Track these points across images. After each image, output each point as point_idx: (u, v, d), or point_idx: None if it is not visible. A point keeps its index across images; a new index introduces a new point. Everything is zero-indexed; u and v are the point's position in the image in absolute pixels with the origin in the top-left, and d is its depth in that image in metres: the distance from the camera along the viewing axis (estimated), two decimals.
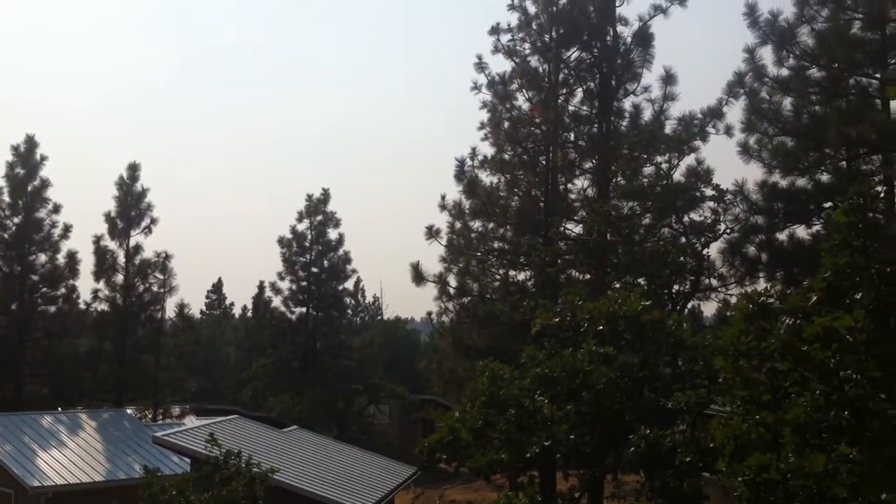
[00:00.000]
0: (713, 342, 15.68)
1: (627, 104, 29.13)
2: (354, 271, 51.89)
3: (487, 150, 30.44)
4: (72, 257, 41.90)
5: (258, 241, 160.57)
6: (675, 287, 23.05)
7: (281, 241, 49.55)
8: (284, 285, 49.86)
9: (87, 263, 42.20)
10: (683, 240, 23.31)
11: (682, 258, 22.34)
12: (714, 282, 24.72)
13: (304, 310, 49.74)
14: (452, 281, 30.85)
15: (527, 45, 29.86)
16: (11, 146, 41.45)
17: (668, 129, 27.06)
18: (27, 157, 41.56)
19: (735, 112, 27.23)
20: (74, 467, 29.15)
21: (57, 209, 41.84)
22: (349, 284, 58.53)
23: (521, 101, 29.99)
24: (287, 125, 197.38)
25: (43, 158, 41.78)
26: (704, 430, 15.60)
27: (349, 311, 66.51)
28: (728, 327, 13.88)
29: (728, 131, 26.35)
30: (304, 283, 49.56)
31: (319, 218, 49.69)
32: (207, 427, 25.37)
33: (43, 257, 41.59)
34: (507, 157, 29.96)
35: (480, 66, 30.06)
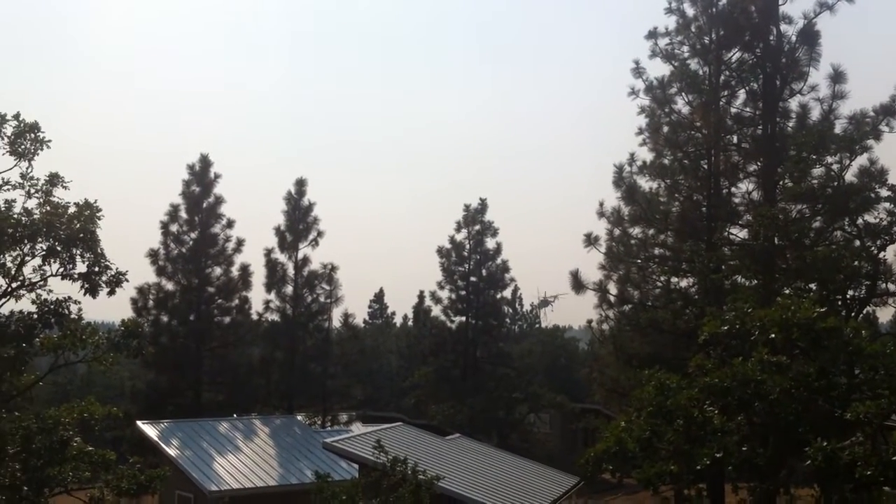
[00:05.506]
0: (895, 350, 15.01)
1: (793, 104, 28.17)
2: (512, 280, 52.08)
3: (646, 155, 30.05)
4: (245, 270, 43.60)
5: (418, 251, 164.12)
6: (850, 293, 22.09)
7: (440, 251, 50.17)
8: (444, 294, 50.52)
9: (257, 275, 44.08)
10: (857, 243, 22.32)
11: (856, 262, 21.39)
12: (892, 286, 23.56)
13: (463, 319, 50.15)
14: (612, 288, 30.60)
15: (685, 48, 29.39)
16: (187, 165, 43.57)
17: (837, 129, 26.01)
18: (202, 175, 43.54)
19: None
20: (249, 472, 30.33)
21: (231, 224, 43.62)
22: (507, 293, 58.78)
23: (681, 104, 29.51)
24: (448, 135, 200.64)
25: (217, 176, 43.77)
26: (886, 443, 14.90)
27: (507, 319, 66.72)
28: None
29: None
30: (462, 293, 49.99)
31: (477, 227, 50.03)
32: (374, 434, 26.00)
33: (218, 270, 43.36)
34: (666, 161, 29.45)
35: (638, 70, 29.77)
